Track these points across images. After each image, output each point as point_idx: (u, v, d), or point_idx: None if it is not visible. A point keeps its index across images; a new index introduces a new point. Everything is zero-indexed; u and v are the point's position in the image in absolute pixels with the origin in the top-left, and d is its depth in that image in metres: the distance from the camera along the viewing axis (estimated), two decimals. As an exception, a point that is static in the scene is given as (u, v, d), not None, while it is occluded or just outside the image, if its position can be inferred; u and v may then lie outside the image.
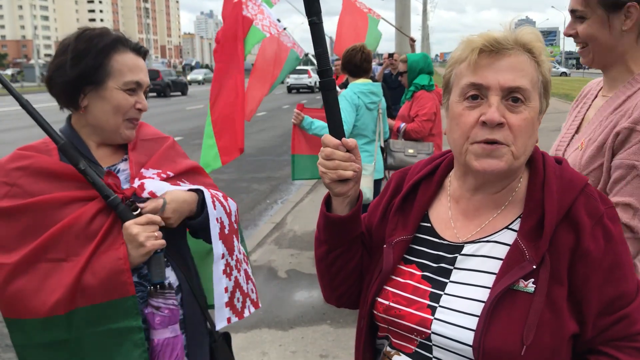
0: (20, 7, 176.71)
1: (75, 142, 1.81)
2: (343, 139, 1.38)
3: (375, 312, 1.42)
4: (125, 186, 1.81)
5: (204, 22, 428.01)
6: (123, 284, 1.66)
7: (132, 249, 1.69)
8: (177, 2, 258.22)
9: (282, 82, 5.53)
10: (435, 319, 1.30)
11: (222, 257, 1.89)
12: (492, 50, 1.28)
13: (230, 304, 1.92)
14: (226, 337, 2.12)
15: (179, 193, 1.82)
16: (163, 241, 1.73)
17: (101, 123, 1.81)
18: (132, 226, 1.69)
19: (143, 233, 1.68)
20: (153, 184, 1.80)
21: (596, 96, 2.04)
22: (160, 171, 1.88)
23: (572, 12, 1.90)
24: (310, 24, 1.40)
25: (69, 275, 1.63)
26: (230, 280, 1.92)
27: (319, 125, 4.98)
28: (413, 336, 1.35)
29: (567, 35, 1.93)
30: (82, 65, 1.75)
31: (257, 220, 8.19)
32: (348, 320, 4.62)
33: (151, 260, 1.74)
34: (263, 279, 5.52)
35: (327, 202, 1.45)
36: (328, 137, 1.39)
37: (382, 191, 1.60)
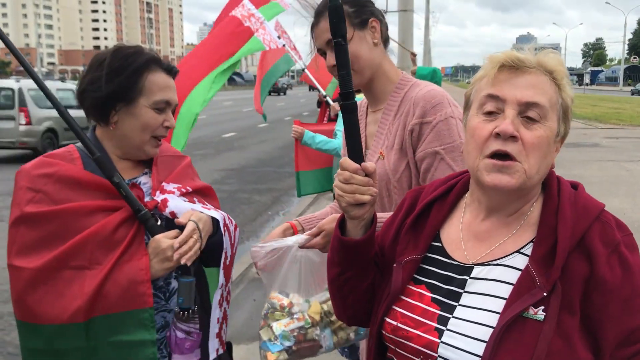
0: (25, 15, 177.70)
1: (103, 155, 1.83)
2: (363, 163, 1.37)
3: (383, 332, 1.41)
4: (146, 199, 1.84)
5: (207, 32, 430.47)
6: (142, 294, 1.68)
7: (156, 262, 1.72)
8: (181, 12, 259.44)
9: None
10: (442, 342, 1.28)
11: (220, 287, 1.93)
12: (512, 66, 1.27)
13: (219, 335, 1.95)
14: (228, 347, 2.12)
15: (204, 216, 1.84)
16: (190, 255, 1.73)
17: (128, 139, 1.86)
18: (162, 240, 1.73)
19: (171, 248, 1.71)
20: (175, 203, 1.84)
21: (367, 114, 2.19)
22: (180, 185, 1.92)
23: (329, 42, 2.00)
24: (336, 44, 1.40)
25: (91, 283, 1.65)
26: (221, 311, 1.96)
27: (322, 139, 4.96)
28: (419, 359, 1.33)
29: (332, 65, 1.97)
30: (116, 82, 1.79)
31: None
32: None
33: (184, 286, 1.76)
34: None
35: (341, 225, 1.43)
36: (347, 161, 1.37)
37: (396, 209, 1.59)
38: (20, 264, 1.68)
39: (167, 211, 1.82)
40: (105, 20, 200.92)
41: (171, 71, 1.91)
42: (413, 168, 1.98)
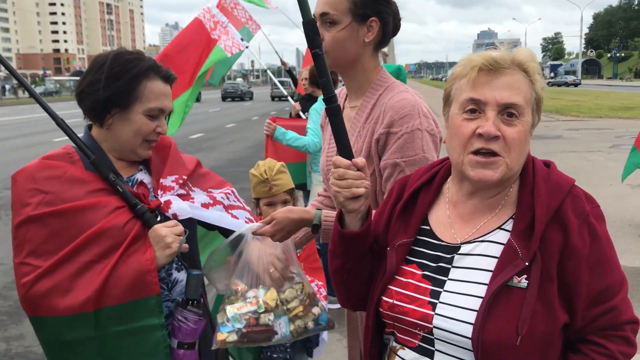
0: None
1: (99, 155, 1.91)
2: (353, 159, 1.50)
3: (381, 309, 1.53)
4: (150, 198, 1.92)
5: (169, 33, 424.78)
6: (149, 283, 1.77)
7: (158, 250, 1.80)
8: (142, 14, 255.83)
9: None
10: (436, 314, 1.41)
11: None
12: (490, 69, 1.40)
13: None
14: None
15: None
16: (187, 245, 1.86)
17: (121, 141, 1.92)
18: (160, 228, 1.82)
19: (170, 235, 1.81)
20: (178, 205, 1.93)
21: (344, 107, 2.20)
22: (177, 177, 2.00)
23: (323, 15, 2.00)
24: (314, 55, 1.55)
25: (99, 276, 1.73)
26: None
27: (293, 136, 5.08)
28: (416, 331, 1.46)
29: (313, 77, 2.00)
30: (114, 87, 1.85)
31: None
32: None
33: (193, 278, 1.87)
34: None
35: (340, 220, 1.55)
36: (339, 159, 1.50)
37: (386, 198, 1.71)
38: (33, 262, 1.75)
39: (169, 212, 1.91)
40: (64, 23, 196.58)
41: (169, 79, 1.96)
42: (378, 176, 2.03)
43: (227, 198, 2.12)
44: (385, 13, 2.04)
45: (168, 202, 1.92)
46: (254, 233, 2.01)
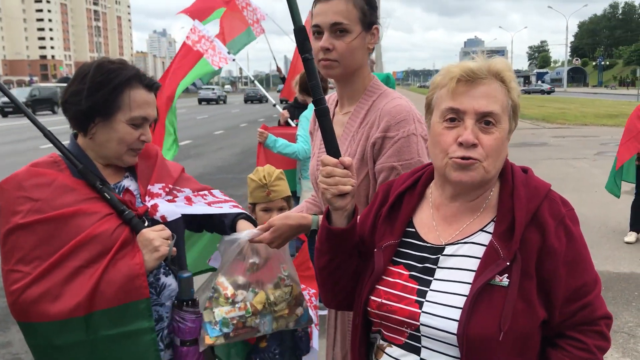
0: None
1: (86, 162, 1.93)
2: (340, 157, 1.56)
3: (369, 309, 1.59)
4: (137, 204, 1.95)
5: (157, 40, 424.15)
6: (138, 287, 1.79)
7: (147, 253, 1.83)
8: (129, 20, 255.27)
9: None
10: (423, 312, 1.47)
11: None
12: (468, 79, 1.47)
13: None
14: None
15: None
16: (175, 248, 1.89)
17: (105, 150, 1.94)
18: (148, 232, 1.85)
19: (158, 238, 1.84)
20: (165, 207, 1.97)
21: (334, 113, 2.25)
22: (164, 184, 2.04)
23: (334, 25, 2.01)
24: (304, 60, 1.63)
25: (89, 281, 1.75)
26: None
27: (283, 143, 5.14)
28: (404, 329, 1.52)
29: (324, 48, 2.02)
30: (96, 97, 1.87)
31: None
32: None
33: (183, 281, 1.92)
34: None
35: (327, 217, 1.61)
36: (327, 158, 1.57)
37: (371, 202, 1.77)
38: (23, 269, 1.76)
39: (157, 215, 1.94)
40: (51, 29, 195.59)
41: (152, 87, 1.97)
42: (372, 179, 2.06)
43: (205, 198, 2.16)
44: (376, 13, 2.11)
45: (155, 206, 1.95)
46: (252, 241, 2.04)
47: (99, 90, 1.86)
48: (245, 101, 62.37)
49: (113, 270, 1.78)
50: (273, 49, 7.99)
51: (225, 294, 2.00)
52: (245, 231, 2.06)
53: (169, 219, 1.95)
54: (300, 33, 1.63)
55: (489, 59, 1.51)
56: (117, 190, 1.96)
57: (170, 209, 1.97)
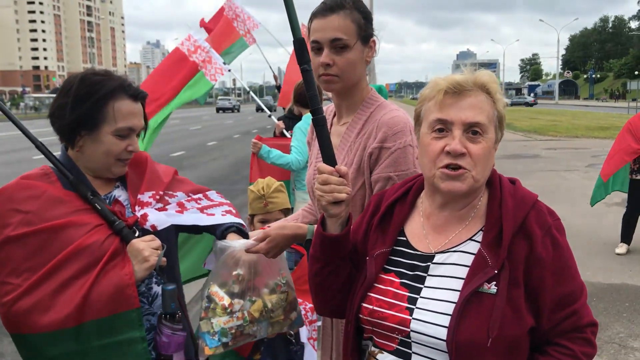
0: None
1: (76, 174, 1.94)
2: (336, 166, 1.61)
3: (361, 316, 1.62)
4: (127, 214, 1.96)
5: (150, 51, 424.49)
6: (128, 297, 1.80)
7: (136, 264, 1.83)
8: (123, 32, 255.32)
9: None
10: (414, 318, 1.51)
11: None
12: (455, 91, 1.53)
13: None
14: None
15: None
16: (164, 258, 1.89)
17: (93, 162, 1.96)
18: (138, 242, 1.85)
19: (148, 248, 1.84)
20: (155, 216, 1.97)
21: (332, 124, 2.28)
22: (154, 192, 2.04)
23: (334, 41, 2.04)
24: (302, 71, 1.68)
25: (80, 291, 1.76)
26: None
27: (277, 154, 5.18)
28: (395, 335, 1.55)
29: (324, 64, 2.04)
30: (80, 110, 1.88)
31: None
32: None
33: (167, 293, 1.90)
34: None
35: (322, 223, 1.65)
36: (323, 165, 1.61)
37: (364, 211, 1.81)
38: (14, 281, 1.77)
39: (147, 225, 1.95)
40: (44, 40, 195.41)
41: (137, 96, 1.97)
42: (367, 188, 2.09)
43: (199, 202, 2.15)
44: (371, 27, 2.13)
45: (145, 216, 1.96)
46: (248, 251, 2.05)
47: (83, 103, 1.87)
48: (217, 111, 66.46)
49: (103, 280, 1.78)
50: (265, 62, 8.06)
51: (222, 305, 2.01)
52: (241, 241, 2.07)
53: (159, 228, 1.96)
54: (299, 44, 1.68)
55: (475, 71, 1.57)
56: (107, 201, 1.97)
57: (160, 218, 1.98)
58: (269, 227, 2.18)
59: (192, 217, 2.08)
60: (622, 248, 7.15)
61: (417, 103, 1.65)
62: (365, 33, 2.09)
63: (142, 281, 1.89)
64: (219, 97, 70.77)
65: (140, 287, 1.91)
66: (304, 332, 2.71)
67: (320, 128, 1.67)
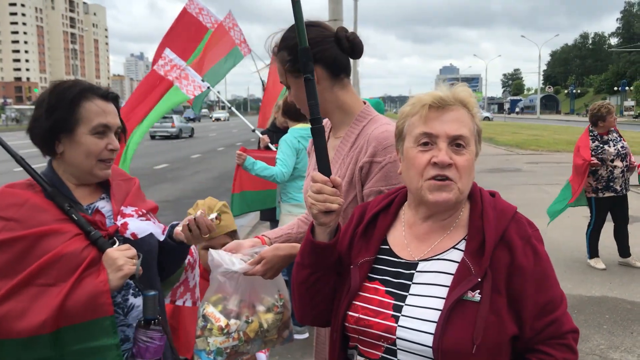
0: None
1: (57, 184, 1.98)
2: (331, 176, 1.64)
3: (346, 324, 1.65)
4: (108, 223, 1.99)
5: (134, 64, 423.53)
6: (103, 304, 1.82)
7: (111, 272, 1.85)
8: (107, 43, 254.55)
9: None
10: (399, 326, 1.54)
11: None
12: (439, 106, 1.59)
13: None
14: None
15: None
16: (140, 268, 1.90)
17: (75, 166, 1.99)
18: (112, 251, 1.87)
19: (122, 257, 1.86)
20: (135, 224, 2.00)
21: (329, 136, 2.34)
22: (137, 208, 2.09)
23: (284, 83, 2.19)
24: (305, 80, 1.72)
25: (56, 298, 1.78)
26: None
27: (261, 165, 5.20)
28: (380, 343, 1.58)
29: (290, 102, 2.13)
30: (54, 116, 1.94)
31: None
32: (296, 355, 4.69)
33: (148, 299, 1.91)
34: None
35: (312, 231, 1.69)
36: (318, 175, 1.65)
37: (348, 221, 1.85)
38: None
39: (127, 233, 1.98)
40: (27, 51, 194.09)
41: (107, 96, 2.02)
42: (359, 201, 2.10)
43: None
44: (319, 52, 2.05)
45: (125, 225, 1.98)
46: (245, 274, 2.06)
47: (57, 109, 1.94)
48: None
49: (79, 288, 1.81)
50: (250, 74, 8.00)
51: (219, 326, 2.02)
52: (237, 263, 2.06)
53: (139, 236, 1.98)
54: (304, 54, 1.72)
55: (452, 87, 1.63)
56: (89, 212, 1.99)
57: (140, 226, 2.01)
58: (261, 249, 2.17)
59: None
60: (599, 263, 7.24)
61: (398, 119, 1.70)
62: (294, 67, 2.07)
63: (117, 290, 1.91)
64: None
65: (116, 297, 1.94)
66: None
67: (318, 138, 1.71)
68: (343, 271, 1.73)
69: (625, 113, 75.72)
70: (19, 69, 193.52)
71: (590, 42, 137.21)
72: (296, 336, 4.59)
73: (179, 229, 2.10)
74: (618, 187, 7.10)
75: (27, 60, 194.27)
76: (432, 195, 1.57)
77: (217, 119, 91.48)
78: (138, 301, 2.00)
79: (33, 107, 2.07)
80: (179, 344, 2.43)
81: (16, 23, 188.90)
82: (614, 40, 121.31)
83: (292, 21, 1.99)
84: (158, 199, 13.21)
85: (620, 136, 7.27)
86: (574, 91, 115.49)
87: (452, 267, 1.56)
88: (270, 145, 6.11)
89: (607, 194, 7.12)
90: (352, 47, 2.14)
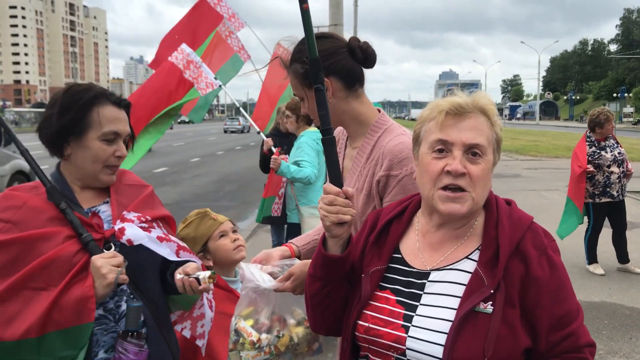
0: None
1: (61, 186, 1.98)
2: (343, 188, 1.61)
3: (357, 333, 1.62)
4: (106, 227, 1.97)
5: (134, 67, 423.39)
6: (90, 310, 1.80)
7: (96, 280, 1.82)
8: (107, 47, 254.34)
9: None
10: (409, 336, 1.51)
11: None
12: (456, 113, 1.55)
13: None
14: None
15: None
16: (125, 277, 1.85)
17: (82, 169, 1.99)
18: (97, 259, 1.84)
19: (106, 266, 1.82)
20: (132, 231, 1.95)
21: (346, 146, 2.32)
22: (140, 215, 2.04)
23: (295, 94, 2.19)
24: (316, 90, 1.70)
25: (45, 303, 1.77)
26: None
27: (296, 168, 5.25)
28: (390, 353, 1.55)
29: (304, 114, 2.12)
30: (66, 118, 1.94)
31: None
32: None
33: (131, 310, 1.88)
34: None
35: (323, 244, 1.65)
36: (330, 186, 1.61)
37: (361, 229, 1.82)
38: None
39: (124, 239, 1.93)
40: (26, 54, 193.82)
41: (120, 103, 2.03)
42: None
43: (173, 243, 2.09)
44: (333, 63, 2.06)
45: (122, 229, 1.95)
46: (276, 290, 2.07)
47: (69, 111, 1.94)
48: (225, 131, 62.35)
49: (67, 293, 1.80)
50: (251, 78, 8.00)
51: (251, 340, 2.05)
52: (267, 280, 2.07)
53: (135, 243, 1.94)
54: (315, 64, 1.70)
55: (471, 94, 1.60)
56: (89, 214, 1.98)
57: (137, 233, 1.95)
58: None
59: (166, 251, 2.02)
60: (598, 268, 7.25)
61: (416, 123, 1.67)
62: (308, 80, 2.04)
63: (103, 298, 1.87)
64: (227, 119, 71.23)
65: (108, 303, 1.92)
66: None
67: (329, 148, 1.68)
68: (355, 279, 1.71)
69: (624, 119, 75.90)
70: (18, 72, 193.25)
71: (589, 48, 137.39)
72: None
73: (177, 276, 1.98)
74: (615, 193, 7.13)
75: (26, 63, 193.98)
76: (443, 205, 1.54)
77: (234, 131, 60.91)
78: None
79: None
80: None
81: (16, 26, 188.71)
82: (613, 47, 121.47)
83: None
84: (157, 203, 13.16)
85: (617, 142, 7.30)
86: (573, 97, 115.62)
87: (465, 278, 1.53)
88: (273, 148, 6.13)
89: (603, 200, 7.16)
90: (365, 56, 2.12)
